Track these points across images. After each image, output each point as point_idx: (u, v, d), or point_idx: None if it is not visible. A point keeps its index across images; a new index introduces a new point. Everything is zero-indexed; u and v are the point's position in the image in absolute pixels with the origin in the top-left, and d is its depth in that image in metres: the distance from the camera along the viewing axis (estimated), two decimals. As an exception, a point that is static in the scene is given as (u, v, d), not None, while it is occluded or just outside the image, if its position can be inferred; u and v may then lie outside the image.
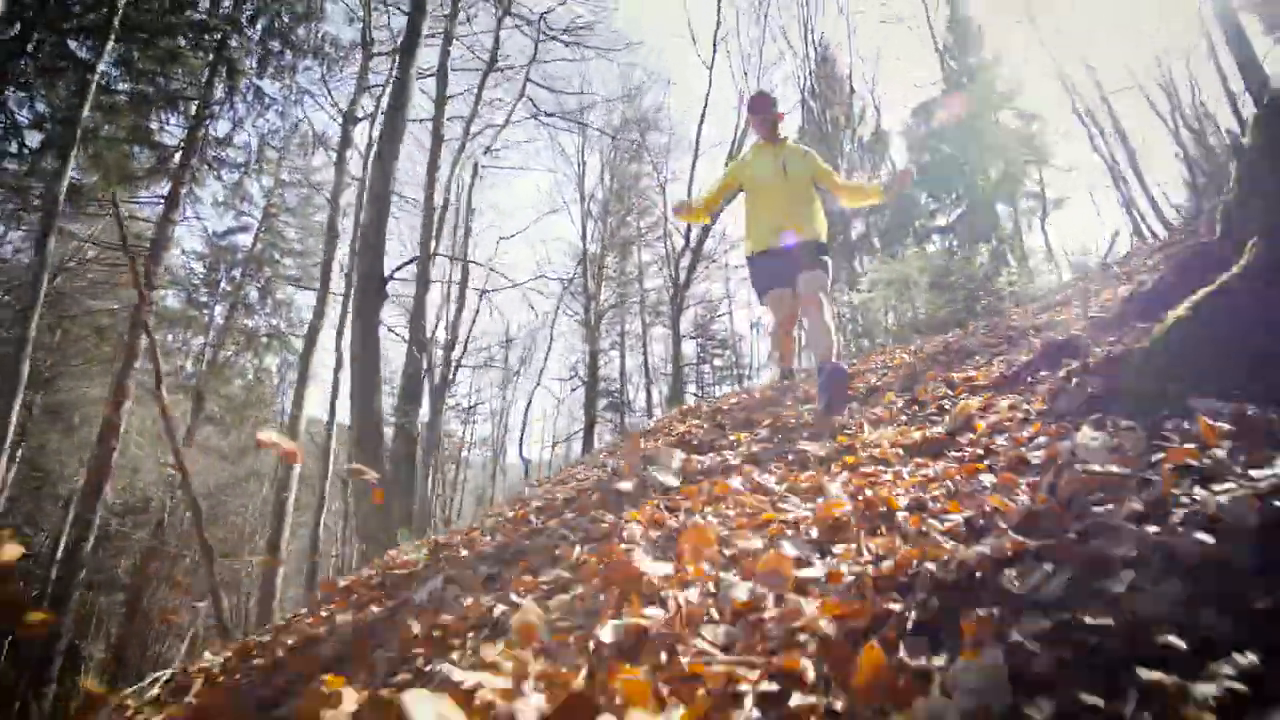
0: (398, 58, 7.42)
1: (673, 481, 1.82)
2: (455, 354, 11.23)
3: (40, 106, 11.53)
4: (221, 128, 13.29)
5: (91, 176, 11.68)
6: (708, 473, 1.91)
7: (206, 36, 12.54)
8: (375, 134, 13.93)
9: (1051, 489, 1.00)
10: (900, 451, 1.62)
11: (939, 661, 0.64)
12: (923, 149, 20.31)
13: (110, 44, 10.06)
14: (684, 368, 11.64)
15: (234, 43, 12.89)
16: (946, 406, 2.03)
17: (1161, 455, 0.94)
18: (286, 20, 13.73)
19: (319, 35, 13.87)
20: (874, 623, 0.75)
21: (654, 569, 1.05)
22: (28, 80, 11.26)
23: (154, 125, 12.81)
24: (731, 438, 2.47)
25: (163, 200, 12.02)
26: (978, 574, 0.78)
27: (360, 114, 13.42)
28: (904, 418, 2.11)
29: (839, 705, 0.61)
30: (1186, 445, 0.94)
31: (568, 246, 19.31)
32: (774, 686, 0.67)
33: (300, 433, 11.73)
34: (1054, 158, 16.34)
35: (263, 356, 16.97)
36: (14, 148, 11.52)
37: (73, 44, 11.17)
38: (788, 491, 1.48)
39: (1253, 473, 0.80)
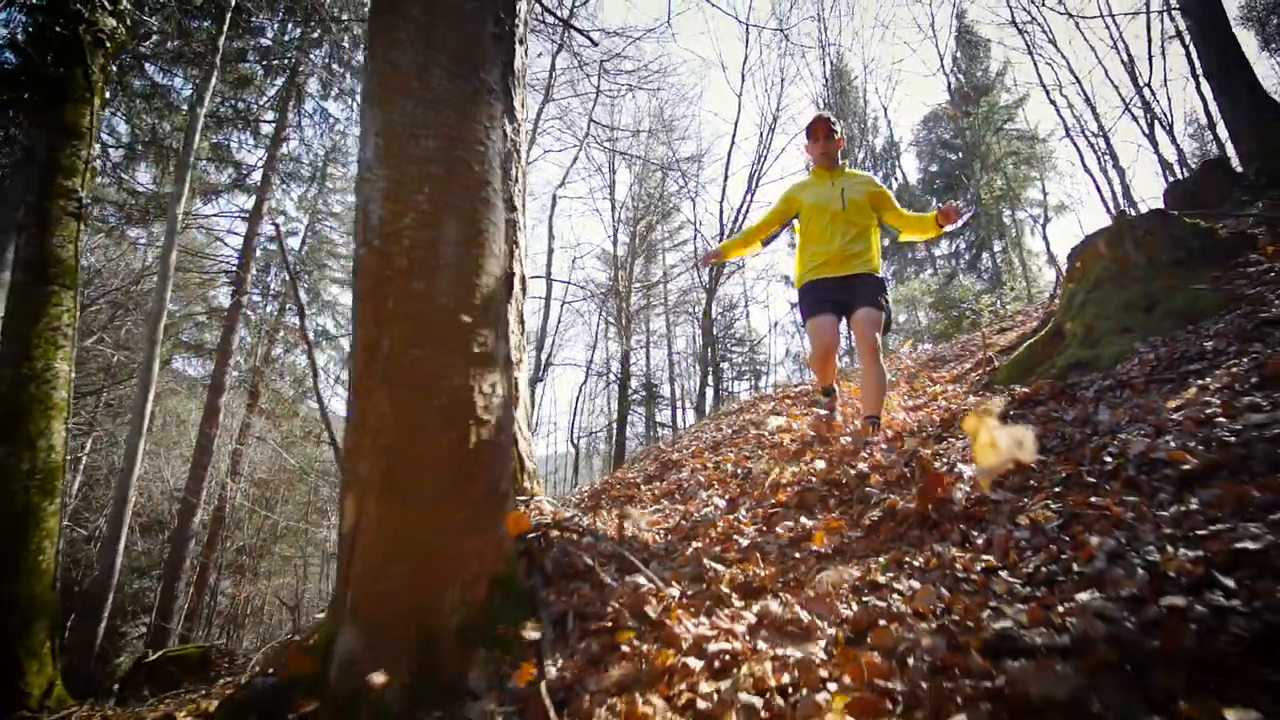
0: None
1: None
2: (544, 353, 13.39)
3: (121, 126, 13.43)
4: (290, 146, 15.39)
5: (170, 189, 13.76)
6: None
7: (277, 62, 14.55)
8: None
9: (951, 414, 3.07)
10: (903, 412, 3.69)
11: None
12: (932, 158, 22.45)
13: (214, 81, 11.96)
14: (709, 367, 13.71)
15: (301, 68, 14.92)
16: (927, 390, 4.11)
17: (990, 399, 3.01)
18: (346, 45, 15.79)
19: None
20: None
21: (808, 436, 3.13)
22: (111, 102, 13.22)
23: (233, 144, 14.83)
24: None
25: (245, 215, 14.14)
26: (917, 429, 2.86)
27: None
28: (906, 397, 4.19)
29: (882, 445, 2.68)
30: (997, 399, 3.00)
31: (599, 250, 21.35)
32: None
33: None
34: (1053, 170, 18.41)
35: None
36: (97, 163, 13.55)
37: (150, 68, 13.14)
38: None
39: (1004, 400, 2.88)
